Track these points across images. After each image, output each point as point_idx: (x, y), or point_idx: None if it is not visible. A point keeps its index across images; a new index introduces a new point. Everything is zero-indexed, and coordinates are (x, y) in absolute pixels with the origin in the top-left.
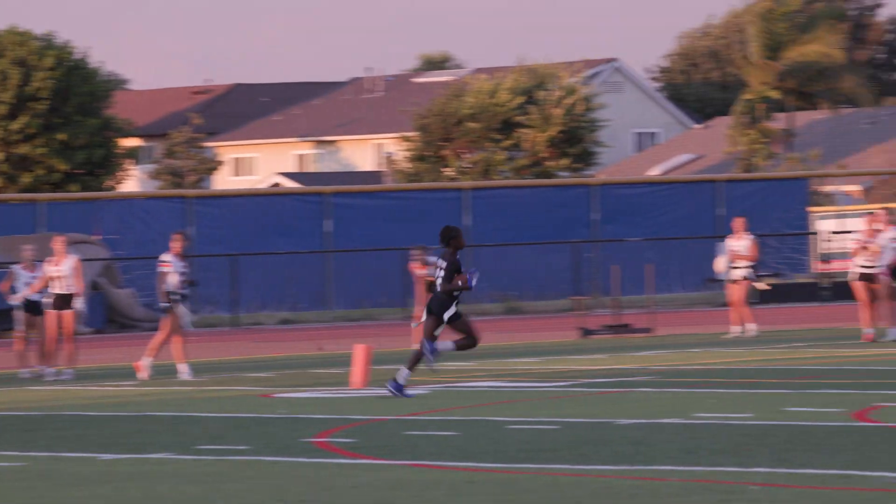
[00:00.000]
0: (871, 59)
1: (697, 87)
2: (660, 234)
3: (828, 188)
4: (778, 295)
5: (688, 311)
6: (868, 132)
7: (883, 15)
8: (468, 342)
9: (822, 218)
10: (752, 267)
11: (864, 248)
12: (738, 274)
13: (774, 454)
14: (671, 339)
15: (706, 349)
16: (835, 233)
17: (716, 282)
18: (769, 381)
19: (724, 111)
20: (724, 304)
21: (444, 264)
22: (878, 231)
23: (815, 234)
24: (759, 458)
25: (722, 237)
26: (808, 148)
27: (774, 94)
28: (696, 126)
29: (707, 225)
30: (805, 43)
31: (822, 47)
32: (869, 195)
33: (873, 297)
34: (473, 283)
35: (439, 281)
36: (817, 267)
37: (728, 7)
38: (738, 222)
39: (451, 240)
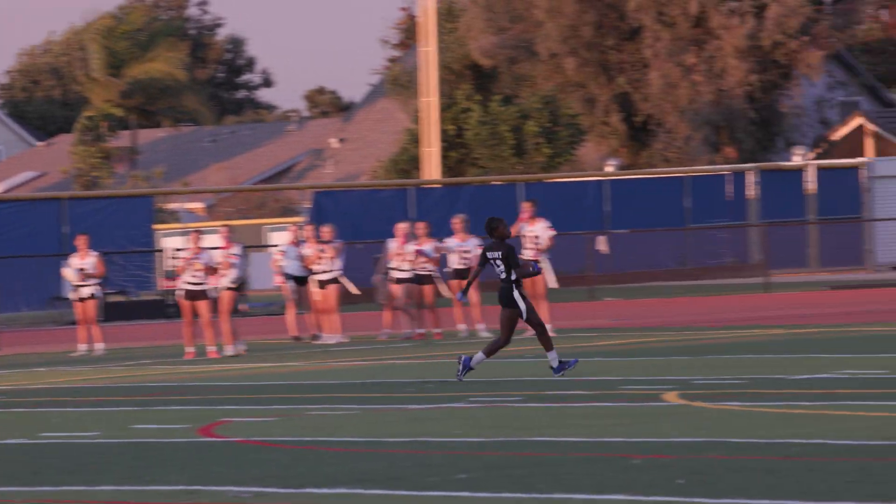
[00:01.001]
0: (211, 78)
1: (39, 104)
2: (4, 253)
3: (172, 205)
4: (124, 312)
5: (34, 330)
6: (210, 150)
7: (222, 34)
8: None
9: (167, 235)
10: (100, 284)
11: (191, 264)
12: (86, 292)
13: (122, 472)
14: (16, 359)
15: (53, 368)
16: (179, 250)
17: (62, 300)
18: (116, 398)
19: (67, 128)
20: (72, 323)
21: (497, 255)
22: (208, 248)
23: (160, 251)
24: (106, 476)
25: (66, 255)
26: (153, 165)
27: (118, 112)
28: (39, 143)
29: (52, 243)
30: (147, 61)
31: (164, 66)
32: (212, 212)
33: (209, 312)
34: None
35: (501, 273)
36: (163, 284)
37: (69, 24)
38: (81, 240)
39: (493, 230)
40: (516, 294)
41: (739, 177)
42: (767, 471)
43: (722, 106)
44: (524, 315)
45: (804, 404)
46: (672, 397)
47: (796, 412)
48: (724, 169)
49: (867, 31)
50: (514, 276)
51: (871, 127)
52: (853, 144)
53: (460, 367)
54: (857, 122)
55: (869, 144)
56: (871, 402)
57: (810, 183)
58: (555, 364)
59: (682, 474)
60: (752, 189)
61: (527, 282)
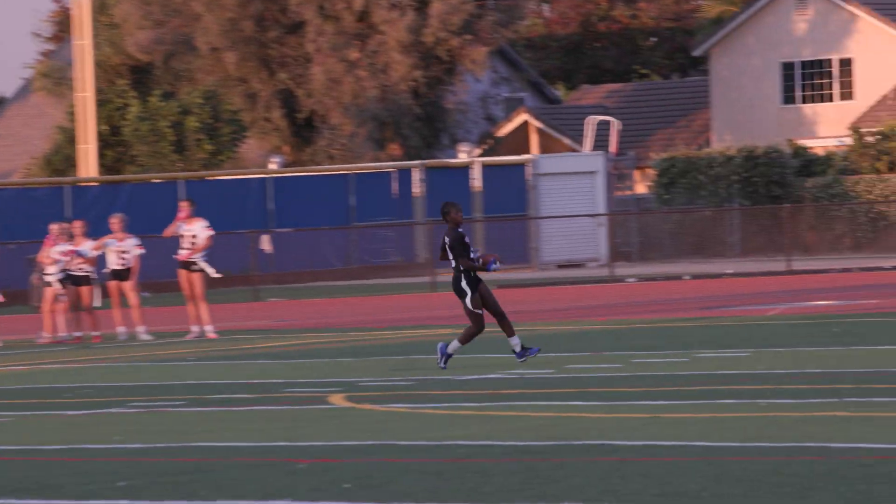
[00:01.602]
0: None
1: None
2: None
3: None
4: None
5: None
6: None
7: None
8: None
9: None
10: None
11: None
12: None
13: None
14: None
15: None
16: None
17: None
18: None
19: None
20: None
21: (446, 242)
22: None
23: None
24: None
25: None
26: None
27: None
28: None
29: None
30: None
31: None
32: None
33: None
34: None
35: (452, 261)
36: None
37: None
38: None
39: (445, 215)
40: (463, 283)
41: (405, 174)
42: (435, 473)
43: (387, 102)
44: (467, 304)
45: (471, 405)
46: (338, 399)
47: (463, 413)
48: (390, 166)
49: (530, 27)
50: (461, 265)
51: (535, 123)
52: (519, 141)
53: (439, 356)
54: (522, 118)
55: (534, 141)
56: (537, 402)
57: (476, 180)
58: (518, 349)
59: (349, 478)
60: (417, 187)
61: (184, 282)
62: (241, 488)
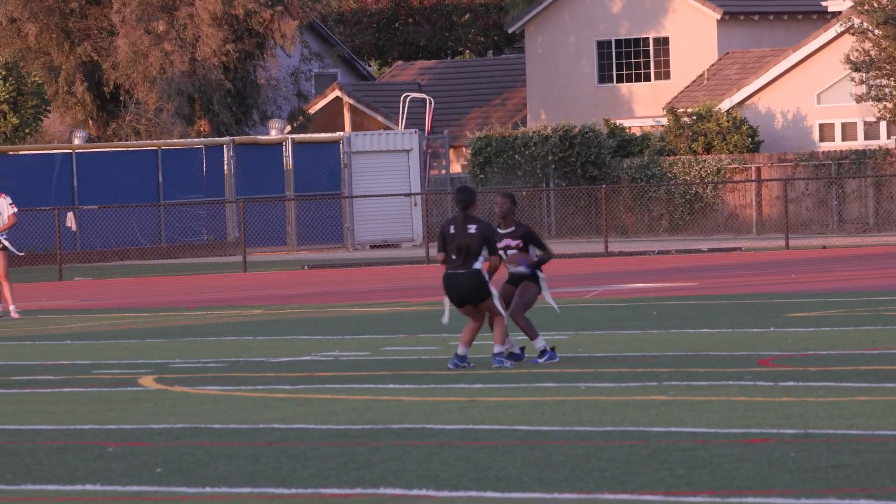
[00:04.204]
0: None
1: None
2: None
3: None
4: None
5: None
6: None
7: None
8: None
9: None
10: None
11: None
12: None
13: None
14: None
15: None
16: None
17: None
18: None
19: None
20: None
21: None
22: None
23: None
24: None
25: None
26: None
27: None
28: None
29: None
30: None
31: None
32: None
33: None
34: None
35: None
36: None
37: None
38: None
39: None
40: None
41: (214, 151)
42: (249, 457)
43: (196, 76)
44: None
45: (286, 388)
46: (149, 382)
47: (278, 396)
48: (199, 142)
49: (342, 2)
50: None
51: (348, 100)
52: (331, 118)
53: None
54: (334, 94)
55: (347, 118)
56: (353, 385)
57: (288, 158)
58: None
59: (161, 462)
60: (228, 164)
61: None
62: (48, 472)
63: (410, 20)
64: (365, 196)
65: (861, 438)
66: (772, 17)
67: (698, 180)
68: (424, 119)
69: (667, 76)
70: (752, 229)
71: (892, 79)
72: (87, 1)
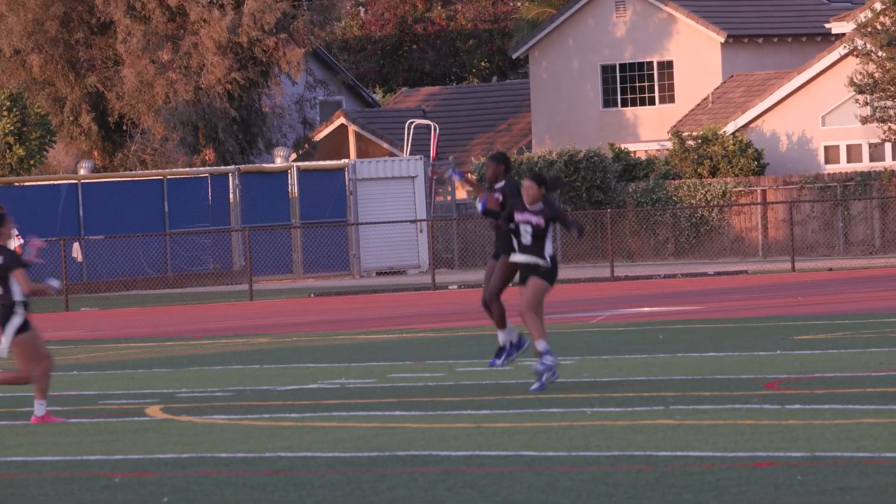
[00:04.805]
0: None
1: None
2: None
3: None
4: None
5: None
6: None
7: None
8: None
9: None
10: None
11: None
12: None
13: None
14: None
15: None
16: None
17: None
18: None
19: None
20: None
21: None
22: None
23: None
24: None
25: None
26: None
27: None
28: None
29: None
30: None
31: None
32: None
33: None
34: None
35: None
36: None
37: None
38: None
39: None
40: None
41: (220, 179)
42: (256, 486)
43: (201, 105)
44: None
45: (292, 416)
46: (155, 411)
47: (284, 425)
48: (204, 171)
49: (346, 30)
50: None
51: (353, 127)
52: (336, 145)
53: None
54: (339, 122)
55: (352, 145)
56: (359, 412)
57: (294, 186)
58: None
59: (168, 492)
60: (233, 192)
61: None
62: None
63: (415, 47)
64: (370, 223)
65: (868, 461)
66: (776, 39)
67: (704, 204)
68: (430, 145)
69: (671, 100)
70: (758, 252)
71: None
72: (92, 31)
